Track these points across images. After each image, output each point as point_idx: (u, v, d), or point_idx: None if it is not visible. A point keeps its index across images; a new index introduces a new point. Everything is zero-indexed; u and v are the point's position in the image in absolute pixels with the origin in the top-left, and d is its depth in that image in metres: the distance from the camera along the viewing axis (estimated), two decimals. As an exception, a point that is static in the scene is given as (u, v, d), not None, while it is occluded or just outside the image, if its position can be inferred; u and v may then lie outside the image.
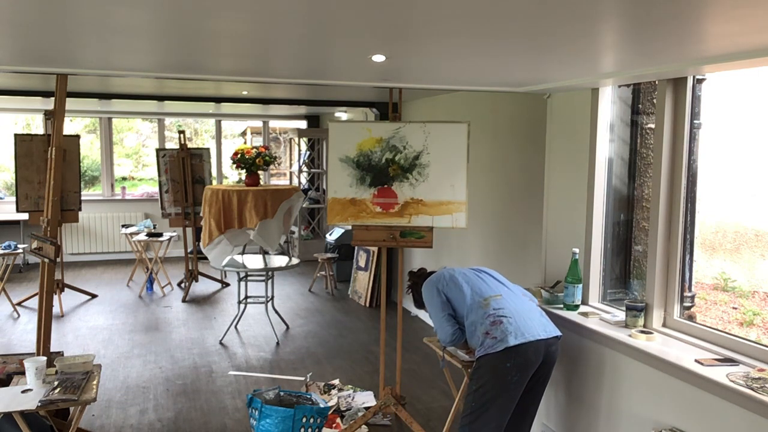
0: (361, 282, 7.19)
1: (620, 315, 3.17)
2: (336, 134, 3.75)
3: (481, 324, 2.91)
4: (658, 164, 2.97)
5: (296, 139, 9.69)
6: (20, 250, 6.68)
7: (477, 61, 2.76)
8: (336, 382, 4.64)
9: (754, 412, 2.26)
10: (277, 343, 5.65)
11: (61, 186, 3.80)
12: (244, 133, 12.73)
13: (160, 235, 7.59)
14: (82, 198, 6.46)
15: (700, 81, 2.87)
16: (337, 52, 2.61)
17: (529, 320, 2.89)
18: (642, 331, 2.91)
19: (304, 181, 9.86)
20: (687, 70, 2.67)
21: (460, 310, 3.07)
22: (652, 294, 3.03)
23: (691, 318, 3.01)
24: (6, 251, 6.58)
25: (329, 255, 7.77)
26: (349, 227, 5.46)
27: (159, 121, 9.98)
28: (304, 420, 3.37)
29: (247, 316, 6.35)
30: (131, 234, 7.79)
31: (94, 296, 7.25)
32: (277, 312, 6.27)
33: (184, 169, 7.36)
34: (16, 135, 6.01)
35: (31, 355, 3.40)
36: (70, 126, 10.63)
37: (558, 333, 2.94)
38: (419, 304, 3.42)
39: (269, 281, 5.99)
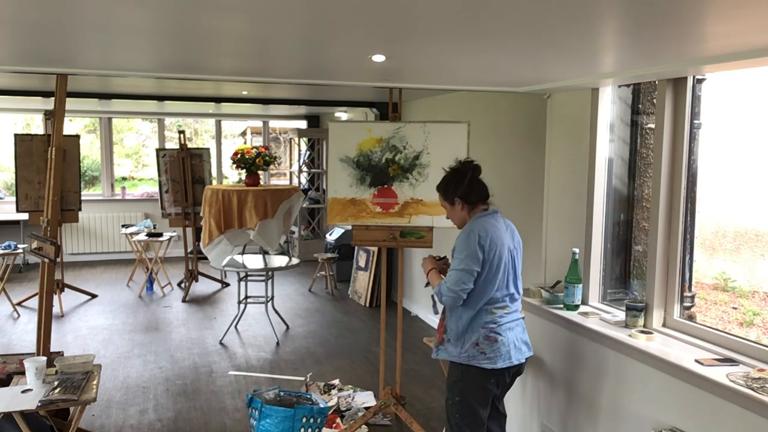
0: (361, 282, 7.19)
1: (620, 315, 3.17)
2: (336, 134, 3.75)
3: (475, 331, 2.75)
4: (658, 164, 2.97)
5: (296, 139, 9.69)
6: (20, 250, 6.68)
7: (477, 61, 2.76)
8: (336, 382, 4.64)
9: (754, 412, 2.26)
10: (277, 343, 5.65)
11: (61, 186, 3.80)
12: (244, 133, 12.73)
13: (160, 235, 7.59)
14: (82, 198, 6.46)
15: (700, 81, 2.87)
16: (337, 52, 2.61)
17: (519, 343, 2.82)
18: (642, 331, 2.90)
19: (304, 181, 9.86)
20: (687, 70, 2.67)
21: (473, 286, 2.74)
22: (652, 294, 3.03)
23: (691, 318, 3.01)
24: (6, 251, 6.58)
25: (329, 255, 7.77)
26: (349, 227, 5.45)
27: (159, 121, 9.98)
28: (304, 420, 3.37)
29: (247, 316, 6.35)
30: (131, 234, 7.79)
31: (94, 296, 7.25)
32: (277, 312, 6.27)
33: (184, 169, 7.36)
34: (16, 135, 6.02)
35: (31, 355, 3.40)
36: (70, 126, 10.62)
37: (531, 352, 2.93)
38: (443, 189, 2.91)
39: (269, 281, 5.99)
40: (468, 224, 2.83)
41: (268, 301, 6.00)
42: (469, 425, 2.81)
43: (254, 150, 5.92)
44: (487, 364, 2.73)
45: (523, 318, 2.94)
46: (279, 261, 6.21)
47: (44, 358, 3.12)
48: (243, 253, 6.05)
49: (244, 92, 6.57)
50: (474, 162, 2.93)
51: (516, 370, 2.87)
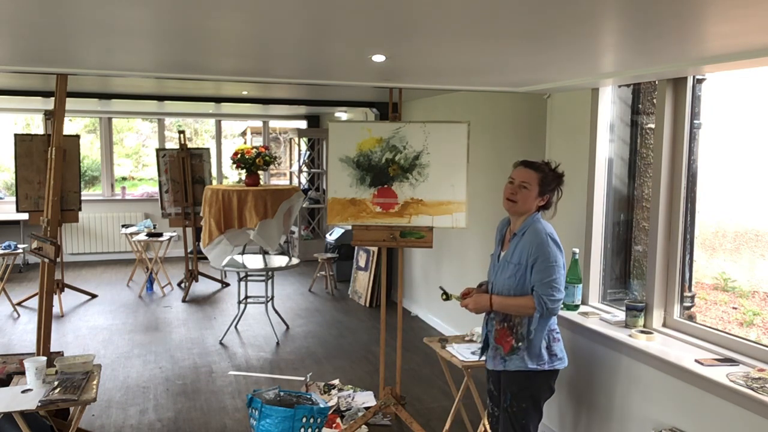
0: (361, 282, 7.19)
1: (620, 315, 3.17)
2: (336, 134, 3.75)
3: (546, 336, 2.72)
4: (658, 164, 2.97)
5: (296, 139, 9.69)
6: (20, 250, 6.68)
7: (477, 61, 2.77)
8: (336, 382, 4.64)
9: (754, 412, 2.26)
10: (277, 343, 5.65)
11: (61, 186, 3.80)
12: (244, 133, 12.73)
13: (160, 235, 7.59)
14: (82, 198, 6.45)
15: (700, 81, 2.87)
16: (337, 52, 2.61)
17: None
18: (642, 331, 2.91)
19: (304, 181, 9.86)
20: (687, 70, 2.67)
21: None
22: (652, 294, 3.03)
23: (691, 318, 3.02)
24: (6, 251, 6.57)
25: (329, 255, 7.77)
26: (349, 227, 5.46)
27: (159, 121, 9.98)
28: (304, 420, 3.37)
29: (247, 316, 6.35)
30: (131, 234, 7.79)
31: (94, 296, 7.25)
32: (277, 312, 6.27)
33: (184, 169, 7.36)
34: (16, 135, 6.01)
35: (31, 355, 3.40)
36: (70, 126, 10.62)
37: None
38: (544, 179, 2.78)
39: (269, 281, 5.99)
40: (537, 227, 2.78)
41: (268, 301, 6.00)
42: (535, 425, 2.81)
43: (254, 150, 5.92)
44: (559, 364, 2.74)
45: None
46: (279, 261, 6.21)
47: (44, 358, 3.12)
48: (243, 253, 6.05)
49: (244, 92, 6.57)
50: None
51: None
